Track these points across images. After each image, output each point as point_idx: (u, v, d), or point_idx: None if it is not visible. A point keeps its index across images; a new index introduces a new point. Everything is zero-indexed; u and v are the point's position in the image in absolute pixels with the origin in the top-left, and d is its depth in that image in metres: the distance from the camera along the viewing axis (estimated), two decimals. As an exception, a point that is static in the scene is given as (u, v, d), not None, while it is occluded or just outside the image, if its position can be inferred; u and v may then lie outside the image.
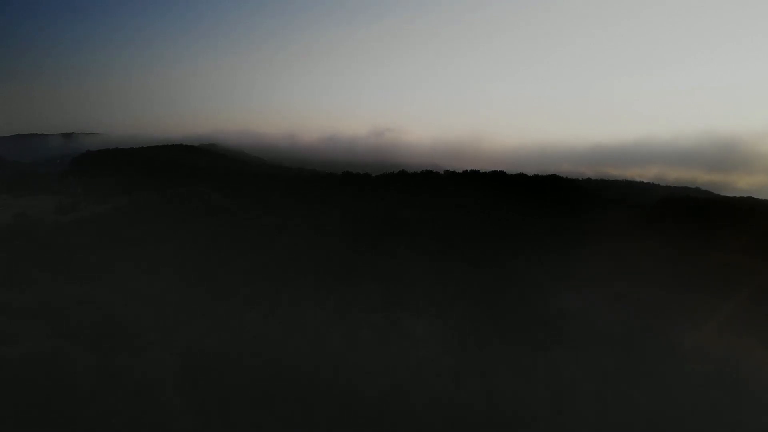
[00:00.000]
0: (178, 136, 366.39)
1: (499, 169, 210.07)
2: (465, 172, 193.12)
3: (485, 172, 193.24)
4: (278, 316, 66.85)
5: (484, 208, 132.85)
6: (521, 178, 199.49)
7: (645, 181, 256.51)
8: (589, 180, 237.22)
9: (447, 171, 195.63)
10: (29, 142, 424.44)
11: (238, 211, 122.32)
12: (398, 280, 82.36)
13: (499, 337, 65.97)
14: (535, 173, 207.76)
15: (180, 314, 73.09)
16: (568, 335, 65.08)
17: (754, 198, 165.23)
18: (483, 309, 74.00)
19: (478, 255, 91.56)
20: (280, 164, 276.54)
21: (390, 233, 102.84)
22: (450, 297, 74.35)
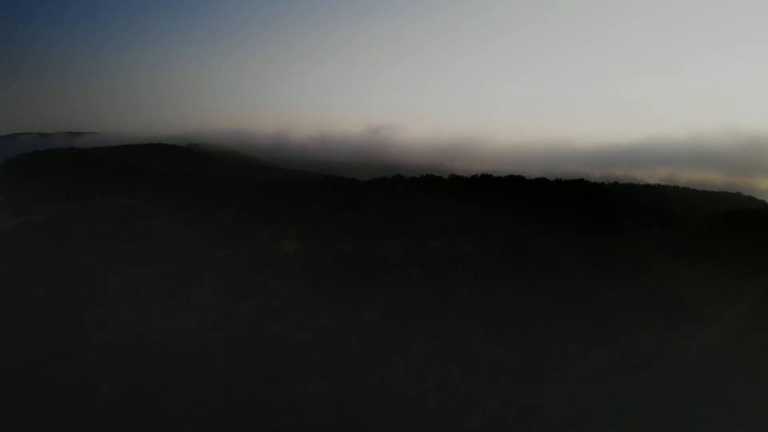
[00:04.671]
0: (165, 135, 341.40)
1: (513, 172, 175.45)
2: (475, 177, 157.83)
3: (500, 177, 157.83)
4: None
5: (504, 226, 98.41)
6: (542, 183, 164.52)
7: (679, 185, 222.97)
8: (616, 184, 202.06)
9: (453, 176, 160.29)
10: (13, 142, 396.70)
11: (167, 235, 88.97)
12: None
13: None
14: (557, 177, 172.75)
15: None
16: None
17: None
18: None
19: (504, 322, 57.29)
20: (262, 165, 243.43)
21: (370, 274, 69.06)
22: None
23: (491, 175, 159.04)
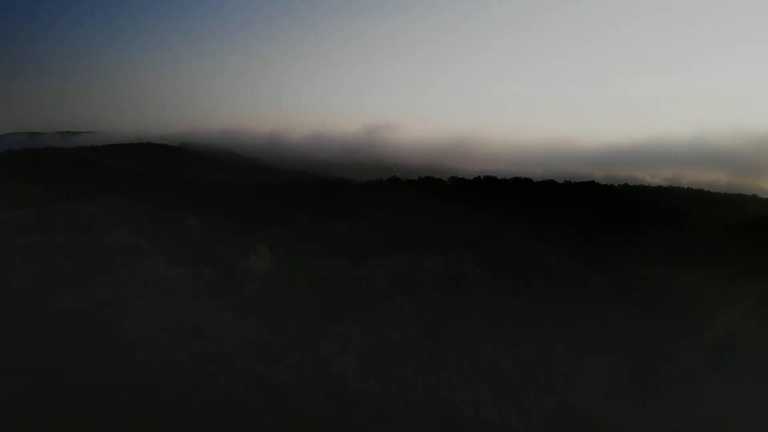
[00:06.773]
0: (159, 135, 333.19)
1: (515, 173, 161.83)
2: (477, 179, 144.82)
3: (505, 179, 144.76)
4: None
5: (512, 237, 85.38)
6: (550, 185, 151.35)
7: (693, 188, 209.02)
8: (626, 186, 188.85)
9: (453, 177, 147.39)
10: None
11: (117, 249, 76.29)
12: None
13: None
14: (566, 180, 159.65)
15: None
16: None
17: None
18: None
19: (517, 371, 44.32)
20: (254, 166, 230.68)
21: (349, 303, 56.26)
22: None
23: (495, 177, 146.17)
